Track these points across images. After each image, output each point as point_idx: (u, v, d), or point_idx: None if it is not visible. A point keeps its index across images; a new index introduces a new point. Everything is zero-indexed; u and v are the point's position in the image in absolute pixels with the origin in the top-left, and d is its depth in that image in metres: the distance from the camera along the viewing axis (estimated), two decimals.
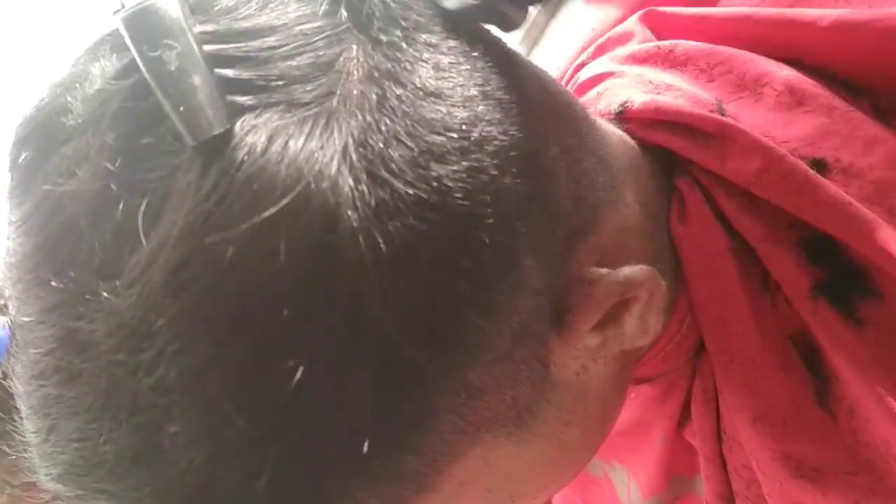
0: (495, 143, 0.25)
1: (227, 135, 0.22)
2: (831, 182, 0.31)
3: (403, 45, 0.25)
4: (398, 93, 0.24)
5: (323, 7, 0.25)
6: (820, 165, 0.32)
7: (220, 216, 0.22)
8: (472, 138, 0.25)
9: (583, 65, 0.42)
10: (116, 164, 0.23)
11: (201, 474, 0.23)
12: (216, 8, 0.25)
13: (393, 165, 0.23)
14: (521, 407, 0.28)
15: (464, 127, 0.25)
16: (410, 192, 0.23)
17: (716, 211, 0.33)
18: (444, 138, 0.24)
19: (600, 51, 0.42)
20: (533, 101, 0.28)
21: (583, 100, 0.39)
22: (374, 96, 0.24)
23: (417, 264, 0.23)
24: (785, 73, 0.34)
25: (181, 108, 0.22)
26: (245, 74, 0.23)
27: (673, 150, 0.34)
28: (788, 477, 0.32)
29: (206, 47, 0.23)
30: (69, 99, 0.24)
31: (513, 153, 0.26)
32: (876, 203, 0.31)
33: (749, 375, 0.33)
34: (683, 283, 0.34)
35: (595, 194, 0.30)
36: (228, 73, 0.23)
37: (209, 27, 0.24)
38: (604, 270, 0.29)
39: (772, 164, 0.31)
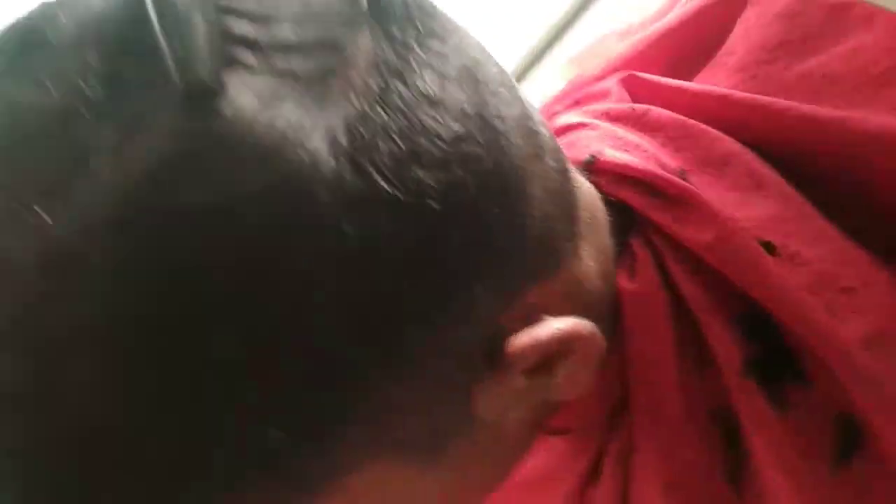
0: (482, 164, 0.25)
1: (218, 86, 0.22)
2: (777, 265, 0.32)
3: (416, 46, 0.25)
4: (401, 90, 0.24)
5: None
6: (769, 248, 0.32)
7: (190, 167, 0.21)
8: (461, 153, 0.25)
9: (556, 113, 0.43)
10: (91, 86, 0.22)
11: (92, 422, 0.21)
12: None
13: (378, 159, 0.23)
14: (435, 435, 0.28)
15: (456, 140, 0.25)
16: (389, 190, 0.23)
17: (664, 275, 0.34)
18: (433, 146, 0.24)
19: (576, 104, 0.43)
20: (524, 136, 0.28)
21: None
22: (375, 87, 0.24)
23: (375, 263, 0.23)
24: (748, 157, 0.35)
25: (177, 46, 0.21)
26: (252, 32, 0.23)
27: (634, 208, 0.35)
28: None
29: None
30: (60, 15, 0.23)
31: (495, 179, 0.26)
32: (816, 294, 0.31)
33: (668, 440, 0.33)
34: (619, 340, 0.34)
35: (557, 241, 0.30)
36: (235, 24, 0.23)
37: None
38: (550, 318, 0.29)
39: (725, 237, 0.32)
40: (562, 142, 0.39)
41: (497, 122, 0.27)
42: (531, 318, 0.28)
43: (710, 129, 0.36)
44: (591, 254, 0.33)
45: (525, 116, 0.29)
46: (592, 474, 0.37)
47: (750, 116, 0.36)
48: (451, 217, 0.24)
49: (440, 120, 0.25)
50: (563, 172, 0.32)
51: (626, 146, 0.37)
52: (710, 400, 0.33)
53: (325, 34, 0.24)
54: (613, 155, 0.36)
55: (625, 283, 0.34)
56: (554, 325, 0.28)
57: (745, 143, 0.36)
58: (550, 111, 0.44)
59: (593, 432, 0.36)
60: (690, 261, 0.33)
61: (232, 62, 0.22)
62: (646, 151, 0.36)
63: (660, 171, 0.34)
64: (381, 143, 0.23)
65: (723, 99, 0.37)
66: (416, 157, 0.24)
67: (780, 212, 0.33)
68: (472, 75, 0.27)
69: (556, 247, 0.30)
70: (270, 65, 0.23)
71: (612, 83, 0.42)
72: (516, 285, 0.28)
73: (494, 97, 0.27)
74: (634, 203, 0.35)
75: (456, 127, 0.25)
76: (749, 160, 0.35)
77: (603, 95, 0.42)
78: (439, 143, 0.24)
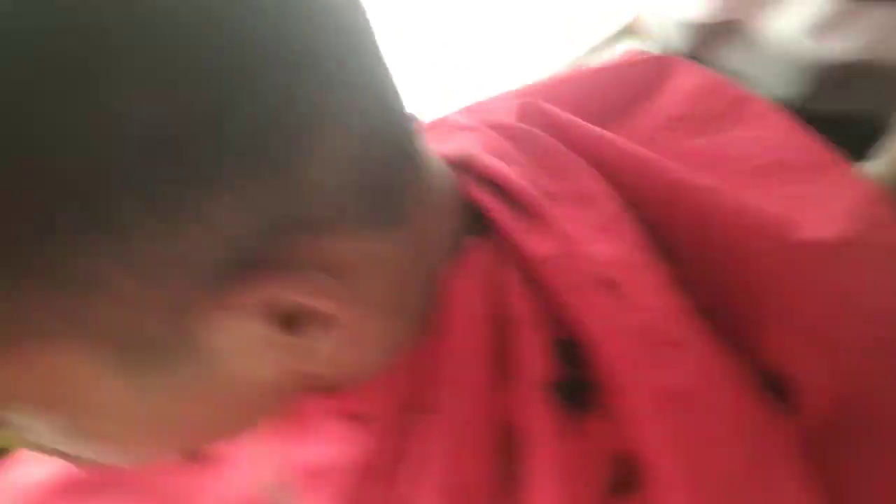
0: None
1: None
2: (610, 299, 0.31)
3: None
4: None
5: None
6: (609, 283, 0.32)
7: None
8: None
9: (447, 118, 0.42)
10: None
11: None
12: None
13: None
14: (141, 338, 0.26)
15: None
16: None
17: (495, 283, 0.33)
18: None
19: (470, 112, 0.42)
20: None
21: (434, 132, 0.38)
22: None
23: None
24: (613, 202, 0.35)
25: None
26: None
27: (488, 214, 0.34)
28: None
29: None
30: None
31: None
32: (642, 338, 0.31)
33: (452, 444, 0.31)
34: (426, 335, 0.33)
35: (346, 207, 0.27)
36: None
37: None
38: (327, 280, 0.26)
39: (567, 252, 0.32)
40: (442, 138, 0.38)
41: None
42: (303, 274, 0.26)
43: (586, 164, 0.36)
44: (418, 243, 0.31)
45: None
46: (374, 467, 0.35)
47: (629, 164, 0.36)
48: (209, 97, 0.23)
49: None
50: (421, 145, 0.30)
51: (504, 157, 0.36)
52: (506, 413, 0.32)
53: None
54: (490, 160, 0.35)
55: (452, 279, 0.33)
56: (318, 287, 0.26)
57: (617, 188, 0.36)
58: (444, 120, 0.43)
59: (382, 424, 0.34)
60: (528, 275, 0.32)
61: None
62: (522, 167, 0.36)
63: (528, 186, 0.34)
64: None
65: (609, 143, 0.37)
66: None
67: (628, 255, 0.33)
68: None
69: (364, 212, 0.28)
70: None
71: (511, 103, 0.41)
72: (276, 216, 0.25)
73: None
74: (492, 208, 0.34)
75: None
76: (613, 204, 0.35)
77: (498, 111, 0.41)
78: None
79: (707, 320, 0.33)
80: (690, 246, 0.34)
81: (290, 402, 0.33)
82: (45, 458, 0.32)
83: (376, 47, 0.29)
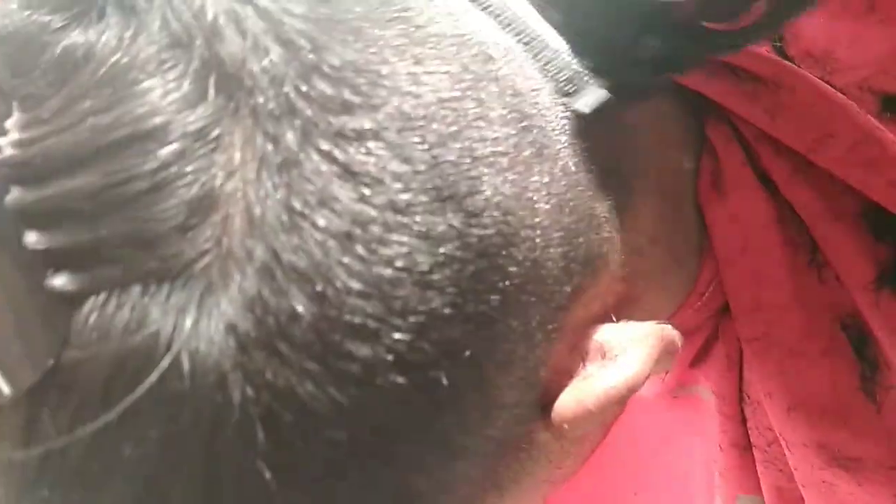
0: (463, 274, 0.20)
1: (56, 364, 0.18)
2: None
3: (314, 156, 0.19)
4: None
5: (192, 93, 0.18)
6: (892, 104, 0.27)
7: None
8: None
9: None
10: None
11: None
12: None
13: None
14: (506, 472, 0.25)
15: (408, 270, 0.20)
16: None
17: (759, 173, 0.28)
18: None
19: None
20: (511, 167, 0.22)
21: None
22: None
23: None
24: None
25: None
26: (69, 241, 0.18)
27: (708, 97, 0.28)
28: (822, 463, 0.30)
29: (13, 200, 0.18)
30: None
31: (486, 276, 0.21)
32: None
33: (787, 363, 0.29)
34: (709, 253, 0.30)
35: (585, 248, 0.24)
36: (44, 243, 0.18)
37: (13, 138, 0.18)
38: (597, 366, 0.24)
39: (839, 129, 0.26)
40: None
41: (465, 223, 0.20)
42: (579, 345, 0.24)
43: None
44: (656, 202, 0.28)
45: (513, 147, 0.22)
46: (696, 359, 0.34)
47: None
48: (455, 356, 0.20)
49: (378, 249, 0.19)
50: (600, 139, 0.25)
51: None
52: (835, 306, 0.29)
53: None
54: None
55: (708, 193, 0.29)
56: (600, 385, 0.23)
57: None
58: None
59: (696, 330, 0.33)
60: (794, 156, 0.28)
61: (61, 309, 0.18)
62: None
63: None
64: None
65: None
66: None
67: None
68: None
69: (583, 257, 0.24)
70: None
71: None
72: (546, 330, 0.23)
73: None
74: (709, 91, 0.28)
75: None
76: None
77: None
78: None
79: None
80: None
81: None
82: None
83: None
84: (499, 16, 0.24)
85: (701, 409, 0.36)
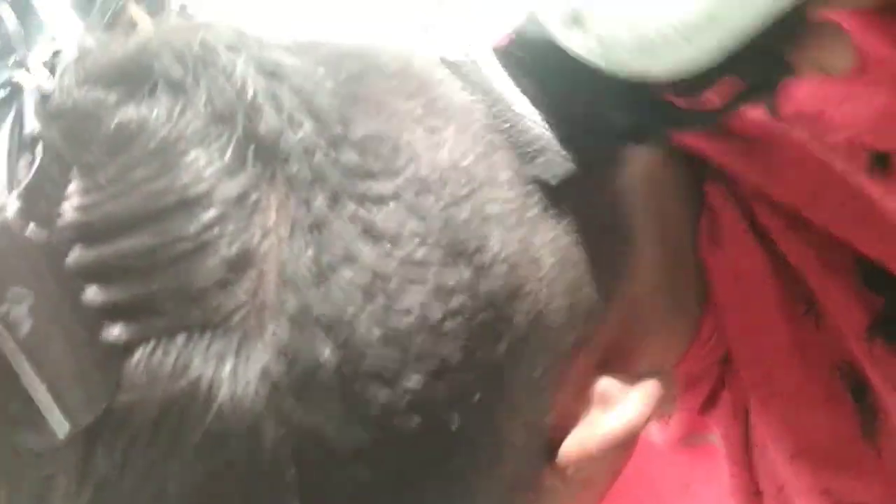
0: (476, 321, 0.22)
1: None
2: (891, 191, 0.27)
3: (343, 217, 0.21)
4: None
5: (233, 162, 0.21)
6: (882, 161, 0.28)
7: None
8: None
9: None
10: None
11: None
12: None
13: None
14: None
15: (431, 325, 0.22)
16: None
17: (755, 227, 0.30)
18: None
19: None
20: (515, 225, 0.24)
21: None
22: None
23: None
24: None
25: (44, 389, 0.19)
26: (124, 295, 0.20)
27: (704, 156, 0.30)
28: None
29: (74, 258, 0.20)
30: None
31: (501, 333, 0.23)
32: None
33: (789, 410, 0.31)
34: (710, 306, 0.31)
35: (585, 302, 0.25)
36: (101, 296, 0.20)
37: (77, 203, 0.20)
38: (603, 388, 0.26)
39: (828, 187, 0.28)
40: None
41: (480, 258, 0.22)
42: (584, 391, 0.26)
43: None
44: (657, 252, 0.29)
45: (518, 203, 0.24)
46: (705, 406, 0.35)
47: None
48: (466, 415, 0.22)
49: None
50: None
51: None
52: (832, 353, 0.30)
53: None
54: None
55: (708, 248, 0.30)
56: (602, 429, 0.25)
57: None
58: None
59: (703, 376, 0.34)
60: (787, 212, 0.29)
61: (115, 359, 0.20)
62: None
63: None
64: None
65: None
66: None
67: (893, 105, 0.27)
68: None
69: (587, 308, 0.25)
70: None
71: None
72: (545, 388, 0.25)
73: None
74: (707, 151, 0.30)
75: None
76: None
77: None
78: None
79: None
80: None
81: None
82: None
83: None
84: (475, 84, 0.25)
85: (716, 458, 0.37)
